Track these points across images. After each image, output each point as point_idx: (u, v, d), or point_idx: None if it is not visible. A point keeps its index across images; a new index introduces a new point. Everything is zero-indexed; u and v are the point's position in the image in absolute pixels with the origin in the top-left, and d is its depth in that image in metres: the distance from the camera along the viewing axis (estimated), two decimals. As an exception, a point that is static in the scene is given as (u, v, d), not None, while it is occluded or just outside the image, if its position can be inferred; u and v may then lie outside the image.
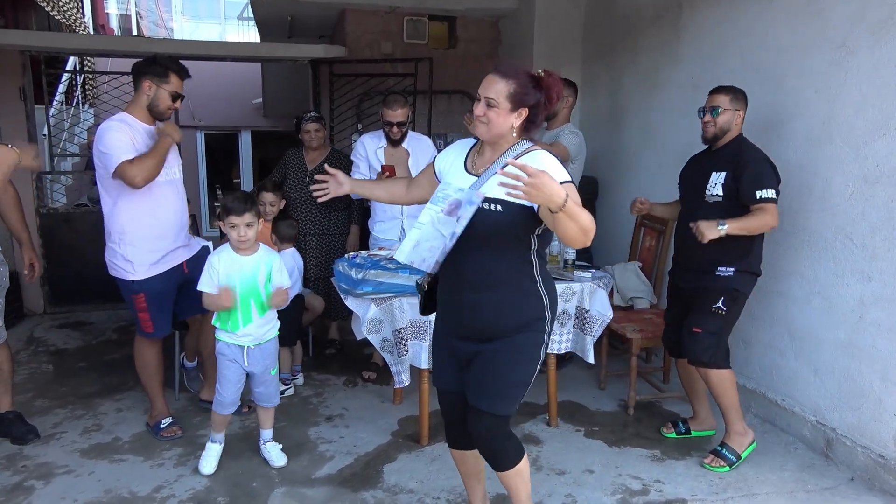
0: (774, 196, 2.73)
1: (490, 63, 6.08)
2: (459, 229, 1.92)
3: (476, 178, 2.03)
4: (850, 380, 2.89)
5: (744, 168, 2.76)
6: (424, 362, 3.04)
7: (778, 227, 3.14)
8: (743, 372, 3.49)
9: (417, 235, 1.98)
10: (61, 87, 6.92)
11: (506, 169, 1.74)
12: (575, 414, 3.47)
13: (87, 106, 7.75)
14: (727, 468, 2.87)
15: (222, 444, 2.90)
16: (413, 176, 3.68)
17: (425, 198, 2.13)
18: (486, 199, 1.94)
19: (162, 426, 3.18)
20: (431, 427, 3.18)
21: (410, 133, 3.74)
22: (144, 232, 2.98)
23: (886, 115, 2.69)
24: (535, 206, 1.89)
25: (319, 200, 2.41)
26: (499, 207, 1.94)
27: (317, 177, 2.40)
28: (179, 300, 3.18)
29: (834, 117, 2.94)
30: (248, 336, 2.78)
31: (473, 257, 1.98)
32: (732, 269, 2.81)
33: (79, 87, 7.34)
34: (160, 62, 3.02)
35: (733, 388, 2.92)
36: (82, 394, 3.73)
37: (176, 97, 3.04)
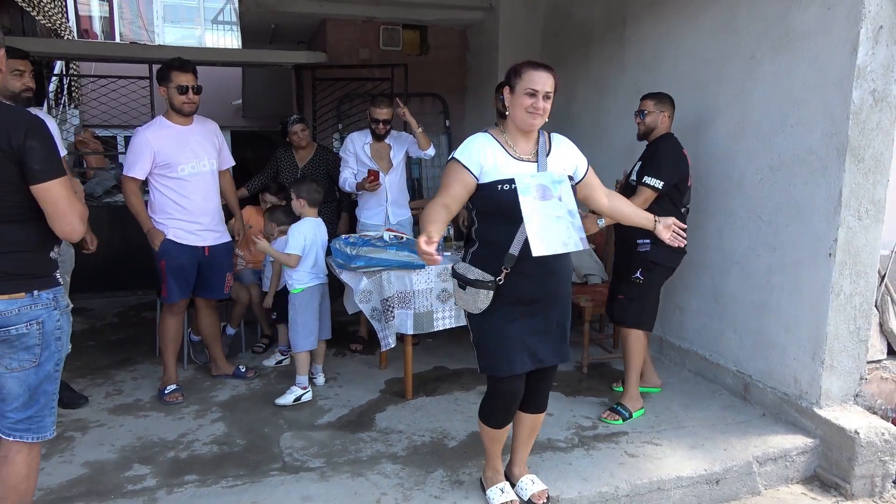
0: (656, 184, 3.23)
1: (459, 68, 6.65)
2: (573, 205, 2.23)
3: (534, 162, 2.31)
4: (762, 334, 3.50)
5: (649, 156, 3.36)
6: (409, 328, 3.56)
7: (705, 210, 3.78)
8: (679, 335, 4.10)
9: (536, 228, 2.15)
10: (50, 89, 7.23)
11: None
12: (537, 373, 4.02)
13: (73, 107, 8.07)
14: (621, 421, 3.34)
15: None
16: (394, 163, 4.17)
17: (461, 205, 2.36)
18: None
19: (166, 392, 3.59)
20: (415, 385, 3.70)
21: (392, 131, 4.25)
22: (170, 214, 3.47)
23: (785, 115, 3.30)
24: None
25: None
26: (571, 182, 2.35)
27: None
28: (197, 280, 3.63)
29: (747, 117, 3.54)
30: None
31: None
32: (648, 242, 3.29)
33: (65, 89, 7.65)
34: (164, 66, 3.49)
35: (641, 353, 3.45)
36: (97, 366, 4.14)
37: (183, 90, 3.40)
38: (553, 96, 2.31)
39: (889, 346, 3.57)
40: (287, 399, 3.51)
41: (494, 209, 2.27)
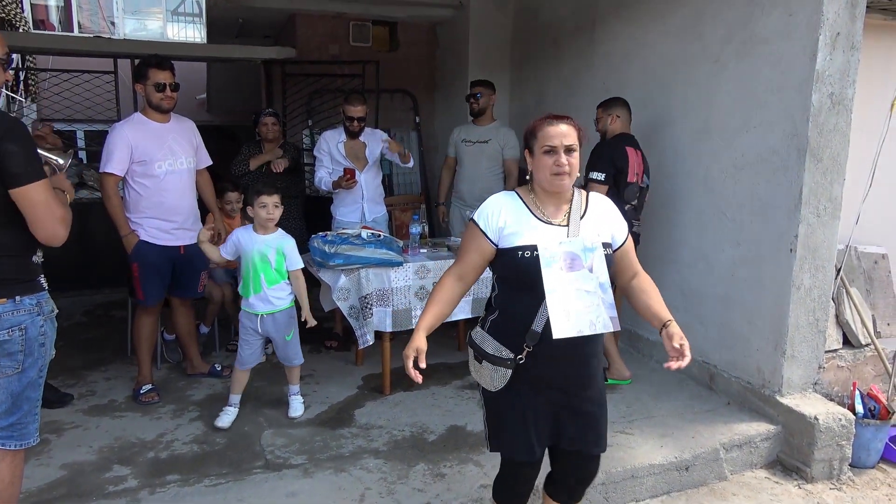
0: (598, 177, 3.57)
1: (429, 65, 6.68)
2: (604, 277, 1.93)
3: (564, 227, 2.01)
4: (726, 326, 3.65)
5: (591, 155, 3.65)
6: (388, 326, 3.61)
7: (672, 206, 3.92)
8: (647, 327, 4.22)
9: (563, 305, 1.89)
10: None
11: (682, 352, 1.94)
12: (512, 367, 4.12)
13: (29, 101, 7.84)
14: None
15: (237, 408, 3.34)
16: (370, 161, 4.21)
17: (480, 272, 2.10)
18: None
19: (141, 392, 3.57)
20: (392, 381, 3.75)
21: (366, 128, 4.27)
22: (144, 213, 3.43)
23: (748, 116, 3.43)
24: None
25: None
26: (609, 251, 2.02)
27: None
28: (172, 279, 3.60)
29: (712, 117, 3.67)
30: (260, 306, 3.20)
31: None
32: None
33: (22, 82, 7.42)
34: (141, 63, 3.45)
35: (609, 337, 3.75)
36: (68, 367, 4.06)
37: (161, 88, 3.37)
38: (579, 148, 2.02)
39: (844, 336, 3.76)
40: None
41: (514, 278, 2.01)
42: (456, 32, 6.16)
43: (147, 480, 2.76)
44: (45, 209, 1.98)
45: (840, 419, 3.17)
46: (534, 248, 1.94)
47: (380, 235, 3.62)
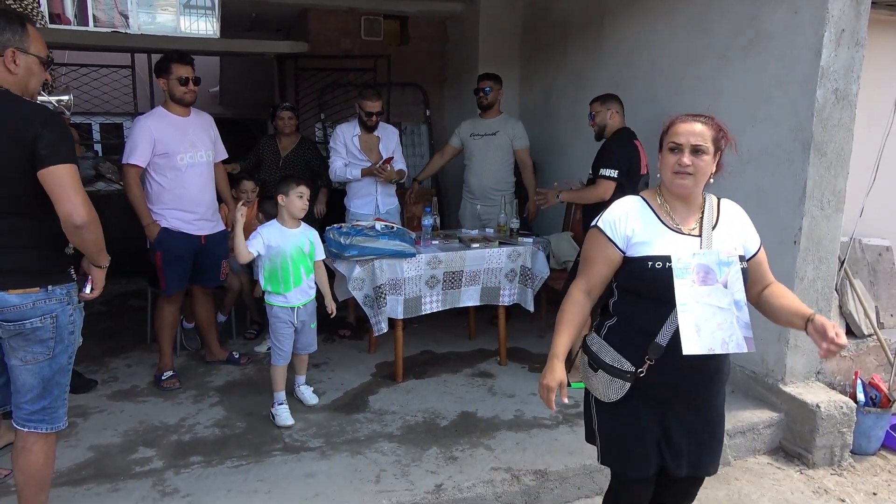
0: (611, 174, 3.66)
1: (439, 59, 6.75)
2: (740, 294, 1.82)
3: (696, 237, 1.88)
4: (731, 316, 3.73)
5: (602, 151, 3.75)
6: (399, 313, 3.71)
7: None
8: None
9: (692, 320, 1.78)
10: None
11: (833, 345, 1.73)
12: (520, 355, 4.22)
13: (46, 94, 7.96)
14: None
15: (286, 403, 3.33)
16: (384, 156, 4.29)
17: (606, 283, 1.97)
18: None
19: (163, 378, 3.69)
20: (405, 369, 3.86)
21: (379, 123, 4.37)
22: (166, 204, 3.54)
23: (754, 111, 3.50)
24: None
25: None
26: (745, 264, 1.89)
27: None
28: (193, 268, 3.71)
29: (718, 111, 3.66)
30: (299, 298, 3.26)
31: None
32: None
33: (39, 76, 7.54)
34: (163, 59, 3.56)
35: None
36: (90, 355, 4.18)
37: (184, 81, 3.50)
38: (715, 152, 1.89)
39: (847, 326, 3.83)
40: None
41: (641, 289, 1.88)
42: (466, 27, 6.23)
43: (172, 461, 2.89)
44: (71, 189, 2.00)
45: (842, 407, 3.25)
46: (666, 258, 1.83)
47: (393, 227, 3.72)
